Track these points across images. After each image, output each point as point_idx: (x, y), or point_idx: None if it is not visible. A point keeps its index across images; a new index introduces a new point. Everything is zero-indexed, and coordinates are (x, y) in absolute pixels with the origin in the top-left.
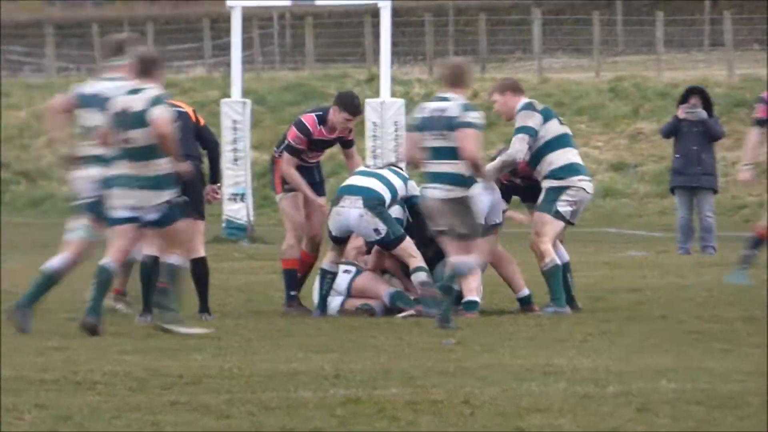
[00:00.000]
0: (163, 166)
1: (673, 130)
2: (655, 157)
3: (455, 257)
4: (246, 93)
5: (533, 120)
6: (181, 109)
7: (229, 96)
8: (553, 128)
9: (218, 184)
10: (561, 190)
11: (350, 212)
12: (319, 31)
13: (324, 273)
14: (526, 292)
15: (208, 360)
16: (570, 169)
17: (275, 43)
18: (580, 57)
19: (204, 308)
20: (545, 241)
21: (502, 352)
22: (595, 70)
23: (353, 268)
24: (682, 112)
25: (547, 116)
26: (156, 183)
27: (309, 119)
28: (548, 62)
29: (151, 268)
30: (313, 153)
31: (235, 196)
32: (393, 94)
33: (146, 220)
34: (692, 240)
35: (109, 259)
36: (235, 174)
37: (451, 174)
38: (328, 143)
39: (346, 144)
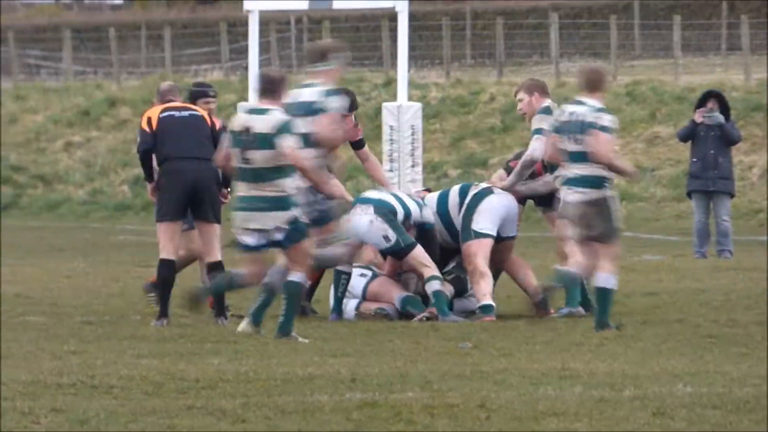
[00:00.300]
0: (284, 186)
1: (690, 134)
2: (671, 161)
3: (577, 262)
4: None
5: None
6: (196, 113)
7: (246, 100)
8: None
9: (228, 189)
10: None
11: (360, 218)
12: (337, 35)
13: (338, 274)
14: (541, 296)
15: (224, 364)
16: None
17: (293, 47)
18: (597, 61)
19: (220, 312)
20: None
21: (519, 356)
22: (612, 74)
23: (369, 272)
24: (699, 116)
25: None
26: (277, 204)
27: None
28: (565, 66)
29: (169, 272)
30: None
31: None
32: (410, 98)
33: (272, 240)
34: (709, 244)
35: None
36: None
37: (586, 176)
38: None
39: (357, 144)
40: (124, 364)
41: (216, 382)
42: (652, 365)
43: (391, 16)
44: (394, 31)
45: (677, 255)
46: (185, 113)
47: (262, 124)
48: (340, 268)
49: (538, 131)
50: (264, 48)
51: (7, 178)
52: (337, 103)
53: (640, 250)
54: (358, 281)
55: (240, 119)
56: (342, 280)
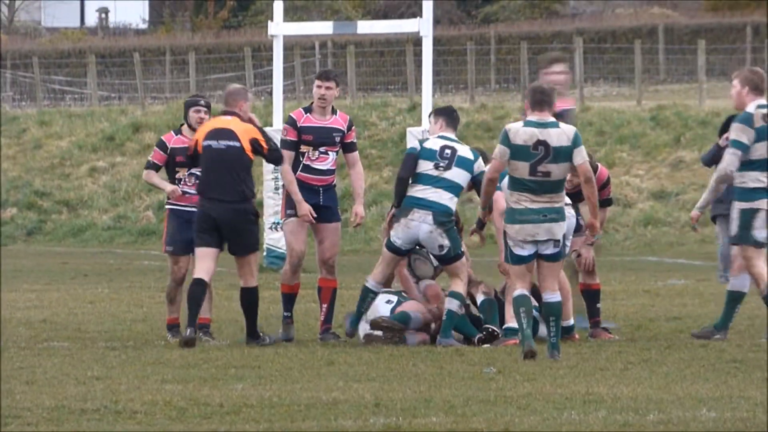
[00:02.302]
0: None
1: (713, 159)
2: (696, 185)
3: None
4: None
5: (746, 135)
6: (233, 144)
7: (270, 125)
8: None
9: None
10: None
11: (421, 226)
12: (361, 59)
13: (366, 292)
14: (570, 322)
15: (248, 389)
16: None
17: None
18: (622, 85)
19: (252, 334)
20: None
21: (543, 381)
22: (636, 98)
23: (395, 298)
24: (723, 141)
25: (760, 135)
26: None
27: (296, 111)
28: (590, 90)
29: (199, 291)
30: (315, 153)
31: (275, 225)
32: None
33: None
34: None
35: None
36: (276, 203)
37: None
38: (325, 137)
39: (347, 147)
40: (147, 389)
41: (240, 407)
42: (676, 390)
43: (416, 41)
44: (418, 55)
45: (701, 279)
46: (222, 144)
47: (557, 138)
48: (369, 286)
49: (736, 144)
50: (288, 73)
51: (31, 204)
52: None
53: (664, 275)
54: (384, 307)
55: (536, 133)
56: (369, 298)
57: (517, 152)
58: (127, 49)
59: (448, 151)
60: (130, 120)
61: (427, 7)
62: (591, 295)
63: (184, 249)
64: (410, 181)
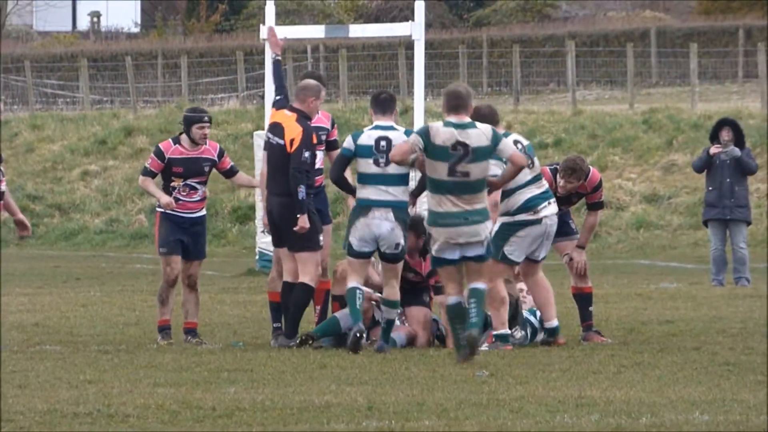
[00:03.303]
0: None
1: (705, 166)
2: (688, 188)
3: None
4: None
5: None
6: (281, 141)
7: (262, 128)
8: None
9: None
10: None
11: (382, 224)
12: (353, 63)
13: (353, 292)
14: (554, 323)
15: (240, 392)
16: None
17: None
18: (614, 89)
19: (288, 333)
20: None
21: (536, 384)
22: (628, 101)
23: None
24: (714, 150)
25: None
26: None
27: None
28: (582, 94)
29: (288, 294)
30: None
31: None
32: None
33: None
34: (726, 271)
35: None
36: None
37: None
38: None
39: (331, 145)
40: (140, 393)
41: (232, 410)
42: (668, 393)
43: (408, 45)
44: (410, 59)
45: (694, 283)
46: (275, 141)
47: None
48: (351, 286)
49: None
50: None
51: (24, 207)
52: None
53: (656, 278)
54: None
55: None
56: (357, 296)
57: (437, 152)
58: (119, 53)
59: (383, 143)
60: (122, 124)
61: (419, 10)
62: (583, 299)
63: (176, 250)
64: (358, 182)
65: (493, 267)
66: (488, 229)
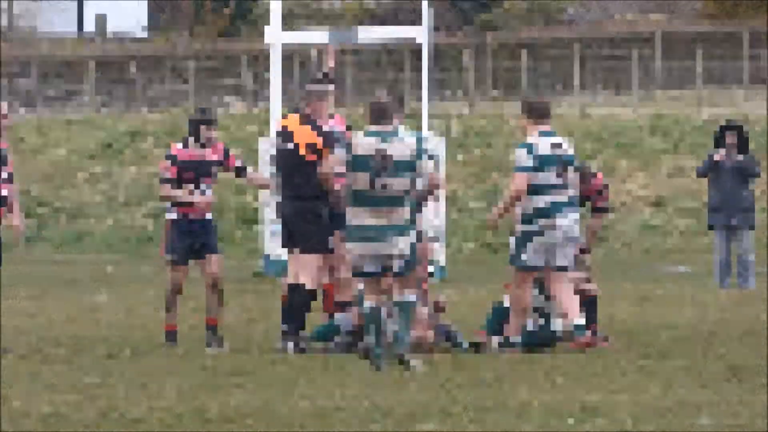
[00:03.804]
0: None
1: (708, 171)
2: (694, 193)
3: None
4: None
5: None
6: (295, 146)
7: (267, 133)
8: None
9: None
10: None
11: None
12: (359, 67)
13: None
14: (579, 321)
15: (246, 397)
16: None
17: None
18: (620, 93)
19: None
20: None
21: (540, 389)
22: (634, 106)
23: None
24: (718, 157)
25: None
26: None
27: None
28: (588, 98)
29: (299, 297)
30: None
31: (275, 232)
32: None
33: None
34: (731, 276)
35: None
36: (274, 210)
37: None
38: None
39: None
40: (145, 397)
41: (238, 415)
42: (673, 397)
43: (415, 49)
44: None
45: (699, 287)
46: (284, 146)
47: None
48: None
49: None
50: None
51: (29, 211)
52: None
53: (662, 283)
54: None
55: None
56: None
57: (358, 163)
58: (126, 57)
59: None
60: (128, 127)
61: (427, 14)
62: (588, 303)
63: (184, 258)
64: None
65: (514, 275)
66: (408, 242)
